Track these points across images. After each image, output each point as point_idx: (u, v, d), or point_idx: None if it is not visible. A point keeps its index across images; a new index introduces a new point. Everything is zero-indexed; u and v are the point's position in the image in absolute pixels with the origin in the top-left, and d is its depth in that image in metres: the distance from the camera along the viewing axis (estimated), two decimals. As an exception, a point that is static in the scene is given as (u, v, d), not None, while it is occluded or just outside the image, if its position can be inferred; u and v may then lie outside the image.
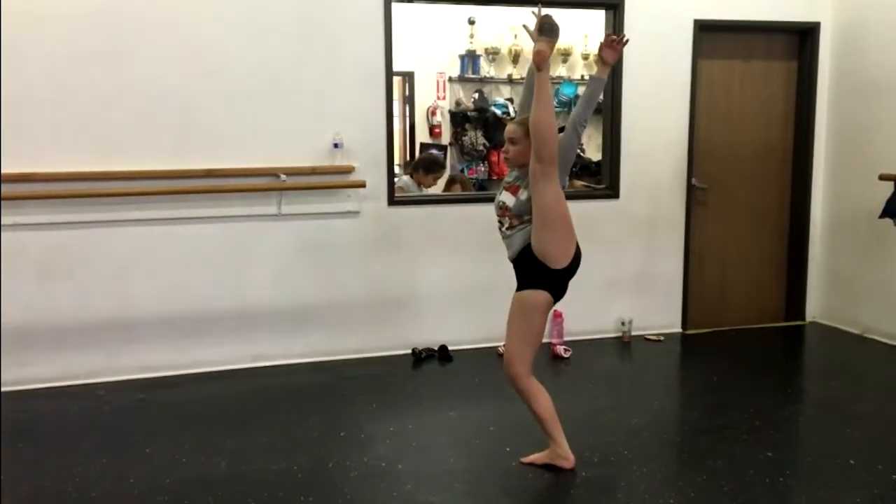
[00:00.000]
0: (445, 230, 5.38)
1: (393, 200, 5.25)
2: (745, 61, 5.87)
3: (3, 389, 4.58)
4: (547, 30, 3.36)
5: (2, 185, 4.44)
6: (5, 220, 4.54)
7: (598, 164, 6.57)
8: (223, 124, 4.85)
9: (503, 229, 3.56)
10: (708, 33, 5.65)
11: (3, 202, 4.49)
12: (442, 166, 6.71)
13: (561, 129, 3.41)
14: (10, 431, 4.07)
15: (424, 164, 6.39)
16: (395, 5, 5.10)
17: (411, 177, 6.25)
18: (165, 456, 3.77)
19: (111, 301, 4.80)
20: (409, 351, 5.28)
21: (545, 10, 3.45)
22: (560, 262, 3.40)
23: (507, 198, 3.52)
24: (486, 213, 5.26)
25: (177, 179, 4.77)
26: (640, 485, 3.47)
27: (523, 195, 3.45)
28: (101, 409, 4.44)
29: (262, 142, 4.93)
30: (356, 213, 5.16)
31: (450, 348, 5.30)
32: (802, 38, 5.91)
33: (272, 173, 4.93)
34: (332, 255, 5.15)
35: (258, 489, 3.43)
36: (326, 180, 5.05)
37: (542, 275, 3.41)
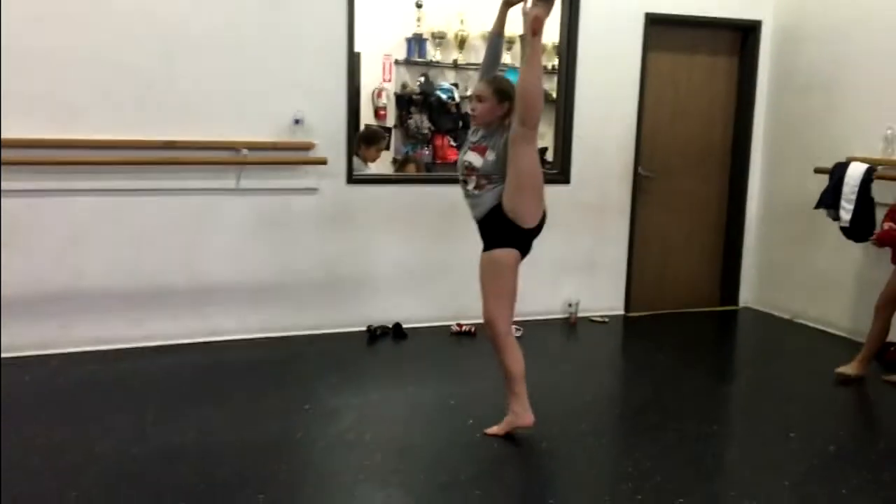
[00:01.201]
0: (402, 210, 5.46)
1: (351, 179, 5.30)
2: (690, 55, 6.12)
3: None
4: None
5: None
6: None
7: (542, 150, 6.72)
8: (184, 96, 4.81)
9: (469, 188, 3.65)
10: (658, 27, 5.87)
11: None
12: (382, 137, 6.72)
13: None
14: (-37, 402, 4.00)
15: (365, 137, 6.42)
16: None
17: (357, 154, 6.27)
18: (129, 427, 3.76)
19: (64, 271, 4.72)
20: (364, 328, 5.35)
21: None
22: (531, 222, 3.56)
23: (473, 158, 3.62)
24: (441, 194, 5.43)
25: (136, 150, 4.72)
26: (598, 455, 3.66)
27: (490, 156, 3.56)
28: (55, 380, 4.37)
29: (222, 115, 4.91)
30: (314, 189, 5.19)
31: (404, 326, 5.39)
32: (745, 35, 6.19)
33: (232, 147, 4.91)
34: (290, 231, 5.17)
35: (229, 458, 3.47)
36: (286, 156, 5.06)
37: (512, 233, 3.55)
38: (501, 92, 3.56)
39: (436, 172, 7.01)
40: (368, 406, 4.15)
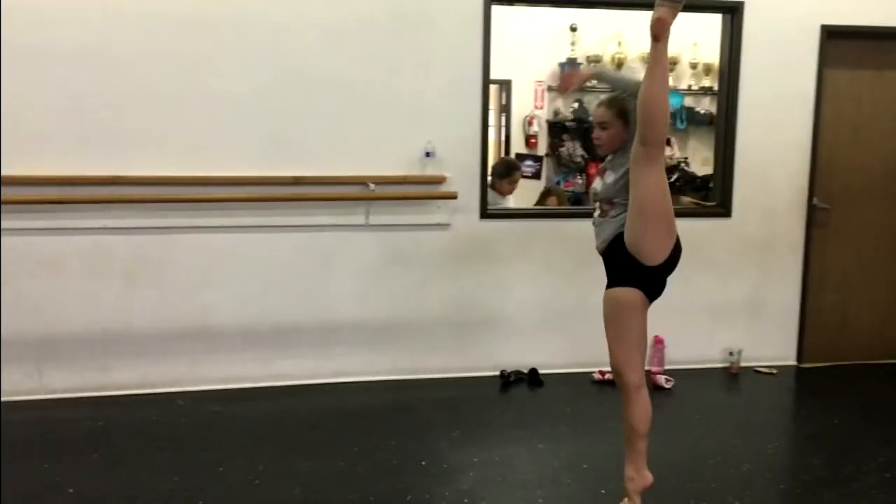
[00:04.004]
0: (539, 246, 5.08)
1: (485, 213, 4.98)
2: (877, 71, 5.34)
3: (82, 395, 4.56)
4: None
5: (1, 189, 4.31)
6: (93, 223, 4.50)
7: (703, 178, 6.13)
8: (313, 131, 4.69)
9: (595, 216, 3.25)
10: (836, 40, 5.17)
11: (91, 204, 4.45)
12: (517, 168, 6.35)
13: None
14: (87, 439, 4.01)
15: (498, 170, 6.09)
16: (494, 11, 4.83)
17: (492, 188, 5.95)
18: (239, 477, 3.59)
19: (194, 309, 4.69)
20: (497, 373, 4.99)
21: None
22: (654, 259, 3.04)
23: (597, 183, 3.25)
24: (583, 229, 4.95)
25: (265, 186, 4.63)
26: (755, 544, 3.08)
27: (609, 178, 3.15)
28: (178, 420, 4.31)
29: (351, 149, 4.74)
30: (446, 225, 4.91)
31: (540, 372, 4.98)
32: (944, 45, 5.34)
33: (361, 182, 4.73)
34: (420, 268, 4.92)
35: (331, 521, 3.21)
36: (416, 190, 4.82)
37: (633, 271, 3.06)
38: (626, 113, 3.11)
39: (587, 205, 6.56)
40: (491, 465, 3.76)
